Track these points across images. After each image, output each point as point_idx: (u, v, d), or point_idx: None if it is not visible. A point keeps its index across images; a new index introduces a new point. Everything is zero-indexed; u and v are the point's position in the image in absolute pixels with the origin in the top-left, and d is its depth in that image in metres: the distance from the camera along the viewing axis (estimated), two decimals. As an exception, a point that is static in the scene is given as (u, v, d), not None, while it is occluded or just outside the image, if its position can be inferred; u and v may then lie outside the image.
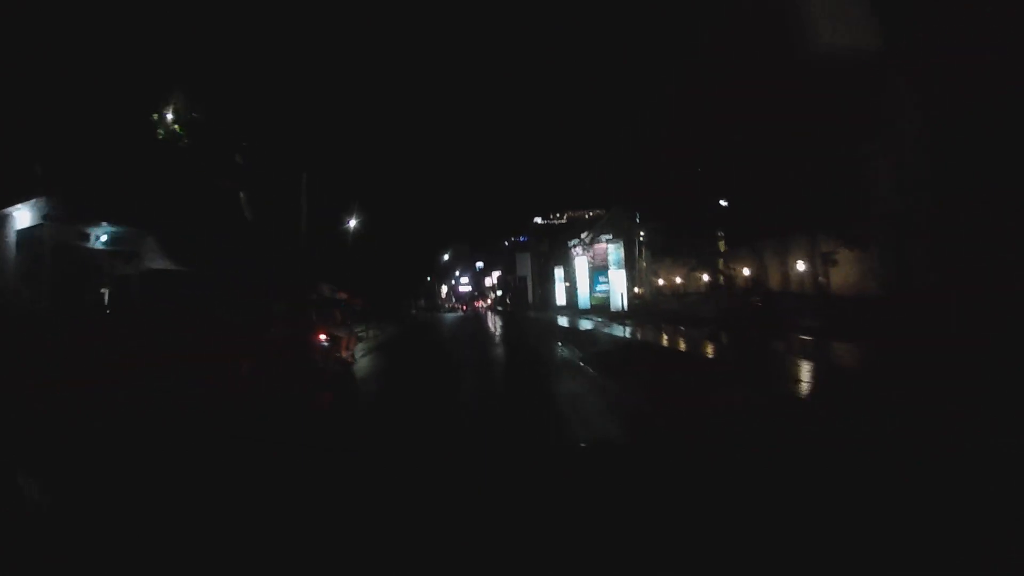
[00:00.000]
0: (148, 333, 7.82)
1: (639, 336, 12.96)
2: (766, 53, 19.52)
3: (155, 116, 20.48)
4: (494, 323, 23.74)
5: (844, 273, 19.01)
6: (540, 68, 59.36)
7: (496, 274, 76.60)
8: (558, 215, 60.80)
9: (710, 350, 10.28)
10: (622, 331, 13.82)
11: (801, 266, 19.01)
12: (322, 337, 7.09)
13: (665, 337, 12.50)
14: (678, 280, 32.21)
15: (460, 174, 73.32)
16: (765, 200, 21.45)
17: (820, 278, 18.02)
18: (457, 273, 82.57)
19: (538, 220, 61.90)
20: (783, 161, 20.17)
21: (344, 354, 7.48)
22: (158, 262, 17.91)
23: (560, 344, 12.16)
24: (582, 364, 9.29)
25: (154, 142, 19.62)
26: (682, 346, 10.85)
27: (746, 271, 23.09)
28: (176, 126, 20.35)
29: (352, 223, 30.97)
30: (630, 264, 48.50)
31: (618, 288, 19.23)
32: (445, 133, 68.03)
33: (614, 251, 19.41)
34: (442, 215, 61.80)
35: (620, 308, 19.15)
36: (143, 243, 17.99)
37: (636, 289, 43.02)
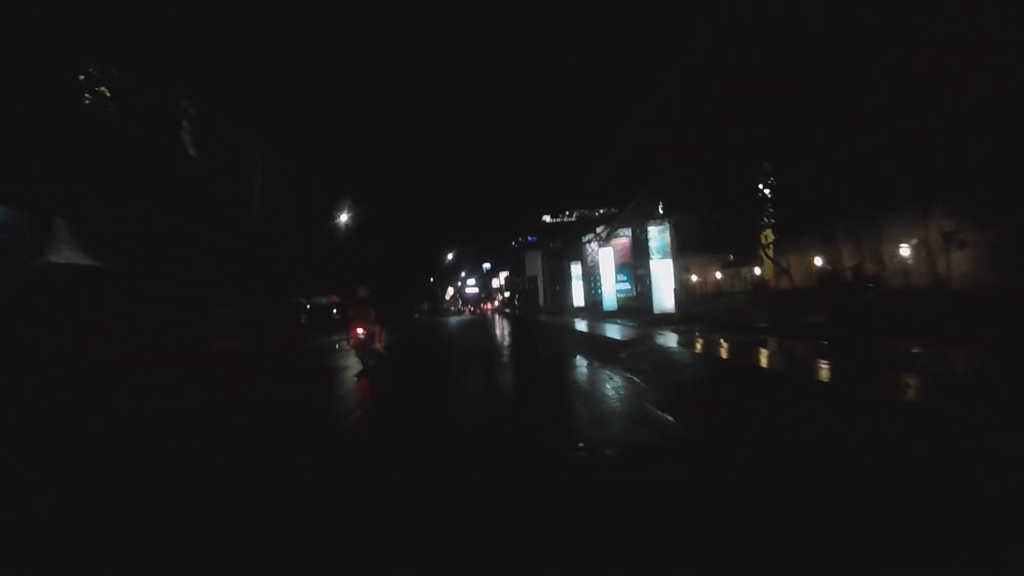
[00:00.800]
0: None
1: (728, 354, 8.30)
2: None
3: (81, 77, 16.47)
4: (502, 331, 19.32)
5: (952, 262, 14.54)
6: (542, 68, 56.17)
7: (503, 275, 72.85)
8: (567, 214, 59.04)
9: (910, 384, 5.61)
10: (689, 344, 9.32)
11: (905, 251, 14.46)
12: (360, 331, 8.01)
13: (782, 355, 7.82)
14: (718, 276, 27.89)
15: (465, 174, 70.56)
16: (846, 169, 16.94)
17: (939, 267, 13.49)
18: (463, 274, 79.71)
19: (547, 219, 59.72)
20: (873, 114, 15.69)
21: (378, 346, 8.35)
22: (67, 255, 13.74)
23: (602, 367, 7.68)
24: (668, 417, 4.81)
25: (72, 104, 15.57)
26: (839, 373, 6.10)
27: (818, 261, 18.57)
28: (103, 88, 16.27)
29: (344, 218, 27.51)
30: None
31: (663, 283, 14.66)
32: (448, 135, 65.21)
33: (657, 236, 14.86)
34: (447, 216, 58.93)
35: (666, 310, 14.61)
36: (50, 231, 13.84)
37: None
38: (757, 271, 22.36)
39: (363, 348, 7.99)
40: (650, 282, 35.48)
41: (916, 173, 14.70)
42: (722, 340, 9.27)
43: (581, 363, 8.92)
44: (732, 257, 30.55)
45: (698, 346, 8.76)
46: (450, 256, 61.78)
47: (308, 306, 29.62)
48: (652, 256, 15.52)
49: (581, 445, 3.24)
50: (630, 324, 14.21)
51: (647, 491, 1.26)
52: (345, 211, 27.25)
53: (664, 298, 15.08)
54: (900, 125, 15.05)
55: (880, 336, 8.88)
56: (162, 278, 14.80)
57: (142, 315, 13.38)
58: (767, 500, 1.18)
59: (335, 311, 29.06)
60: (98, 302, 13.34)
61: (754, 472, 1.31)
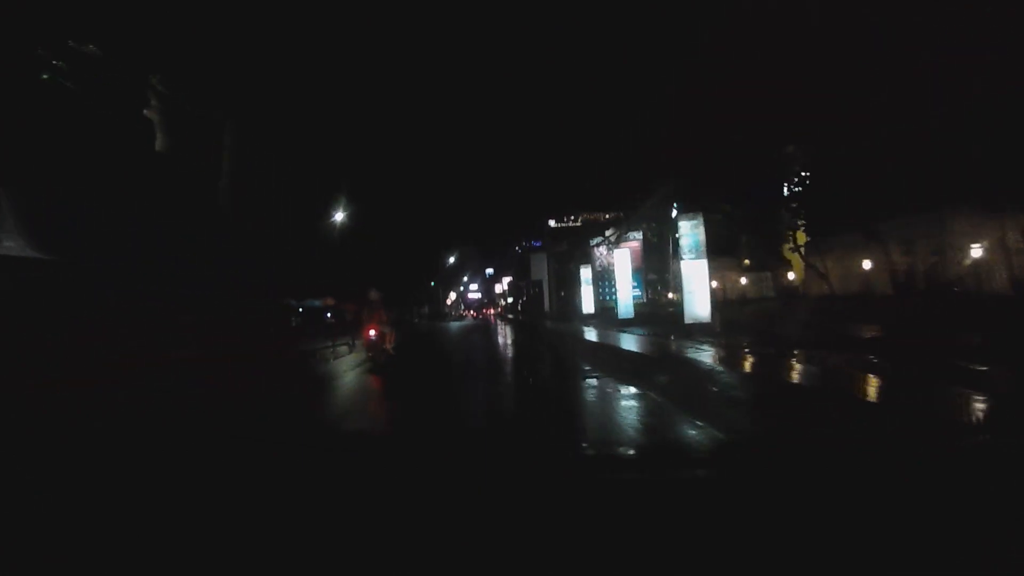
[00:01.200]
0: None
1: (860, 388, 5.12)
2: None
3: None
4: (506, 342, 17.31)
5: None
6: (543, 69, 55.33)
7: (507, 280, 71.14)
8: (572, 218, 58.54)
9: None
10: (765, 368, 6.66)
11: (976, 251, 12.48)
12: (372, 332, 8.51)
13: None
14: (743, 281, 25.97)
15: (467, 176, 69.66)
16: (894, 159, 14.99)
17: (1015, 270, 11.50)
18: (465, 279, 78.30)
19: (552, 223, 58.84)
20: (924, 98, 13.79)
21: (388, 347, 8.68)
22: (7, 246, 11.93)
23: (653, 400, 5.59)
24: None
25: (30, 80, 13.80)
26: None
27: (866, 264, 16.58)
28: (61, 61, 14.47)
29: (341, 217, 25.89)
30: (664, 266, 41.99)
31: (697, 287, 12.48)
32: (450, 136, 64.35)
33: (690, 232, 12.76)
34: (449, 220, 57.81)
35: (700, 319, 12.47)
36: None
37: (671, 295, 36.48)
38: (791, 276, 20.36)
39: (374, 348, 8.61)
40: (662, 288, 33.22)
41: (983, 162, 12.77)
42: (822, 370, 6.56)
43: (598, 379, 6.94)
44: (748, 261, 28.55)
45: (776, 372, 6.34)
46: (452, 260, 60.30)
47: (300, 309, 27.90)
48: (684, 255, 13.49)
49: (584, 445, 3.17)
50: (648, 333, 12.15)
51: (646, 491, 1.22)
52: (342, 210, 25.68)
53: (698, 305, 12.99)
54: (960, 108, 13.15)
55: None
56: (122, 275, 12.95)
57: (90, 317, 11.53)
58: (767, 501, 1.14)
59: (329, 314, 27.37)
60: (44, 298, 11.52)
61: (756, 474, 1.26)
